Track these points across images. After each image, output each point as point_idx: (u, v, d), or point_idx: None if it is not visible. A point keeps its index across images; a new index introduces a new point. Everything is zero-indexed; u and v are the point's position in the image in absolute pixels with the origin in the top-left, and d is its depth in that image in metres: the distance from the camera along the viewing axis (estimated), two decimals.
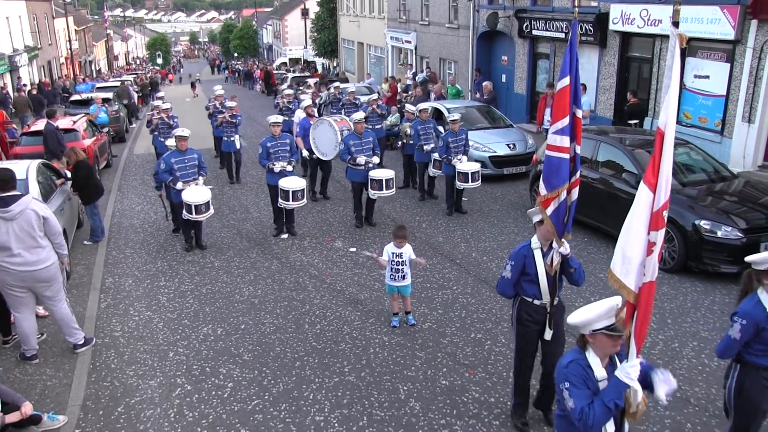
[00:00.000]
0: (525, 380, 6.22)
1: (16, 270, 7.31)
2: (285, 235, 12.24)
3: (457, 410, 6.66)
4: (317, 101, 23.71)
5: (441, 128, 15.28)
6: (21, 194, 7.40)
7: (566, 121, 5.24)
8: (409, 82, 26.69)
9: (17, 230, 7.22)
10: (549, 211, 5.40)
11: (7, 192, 7.29)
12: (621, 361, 4.05)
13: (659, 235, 3.91)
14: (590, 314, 3.92)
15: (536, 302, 5.89)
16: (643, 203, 3.91)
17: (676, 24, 3.89)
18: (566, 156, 5.29)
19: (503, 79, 24.97)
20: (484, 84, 21.45)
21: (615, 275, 4.03)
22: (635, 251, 3.93)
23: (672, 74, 3.93)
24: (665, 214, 3.93)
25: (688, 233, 9.55)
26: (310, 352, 7.92)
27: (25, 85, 34.97)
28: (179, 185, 11.19)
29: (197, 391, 7.16)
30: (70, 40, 49.62)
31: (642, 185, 3.91)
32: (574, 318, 3.99)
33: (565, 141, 5.26)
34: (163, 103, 18.05)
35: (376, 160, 12.38)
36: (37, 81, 38.21)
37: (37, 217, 7.31)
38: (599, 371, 4.01)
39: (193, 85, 50.55)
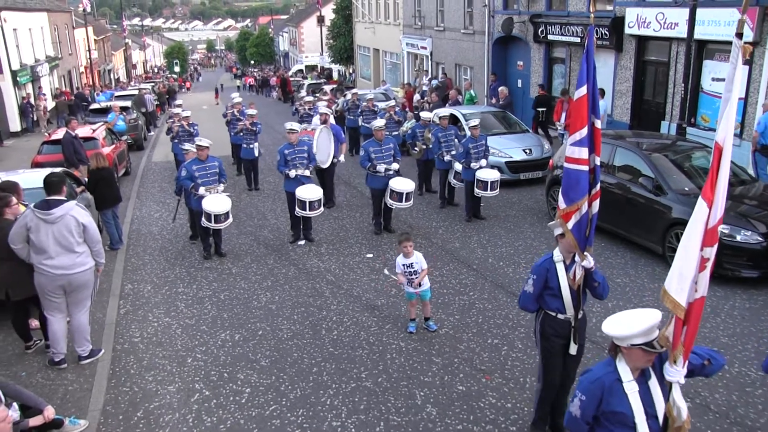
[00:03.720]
0: (551, 395, 6.05)
1: (53, 273, 7.48)
2: (302, 242, 12.29)
3: (473, 416, 6.65)
4: (333, 108, 23.81)
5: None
6: (65, 200, 7.63)
7: (584, 132, 5.09)
8: (425, 88, 26.72)
9: (56, 234, 7.42)
10: (570, 224, 5.25)
11: (54, 196, 7.57)
12: (654, 372, 4.04)
13: (713, 251, 3.85)
14: (632, 330, 3.85)
15: (560, 316, 5.72)
16: (700, 219, 3.81)
17: (739, 35, 3.77)
18: (585, 168, 5.13)
19: (519, 84, 24.93)
20: (500, 89, 21.43)
21: (670, 295, 3.90)
22: (689, 267, 3.84)
23: (733, 87, 3.79)
24: (720, 229, 3.87)
25: None
26: (327, 358, 7.95)
27: (44, 94, 35.47)
28: (201, 191, 11.26)
29: (215, 396, 7.21)
30: (89, 50, 50.14)
31: (700, 200, 3.81)
32: (613, 329, 3.93)
33: (583, 152, 5.11)
34: (183, 110, 18.19)
35: (395, 166, 12.37)
36: (56, 90, 38.67)
37: (76, 224, 7.50)
38: (631, 384, 3.97)
39: (216, 92, 50.94)
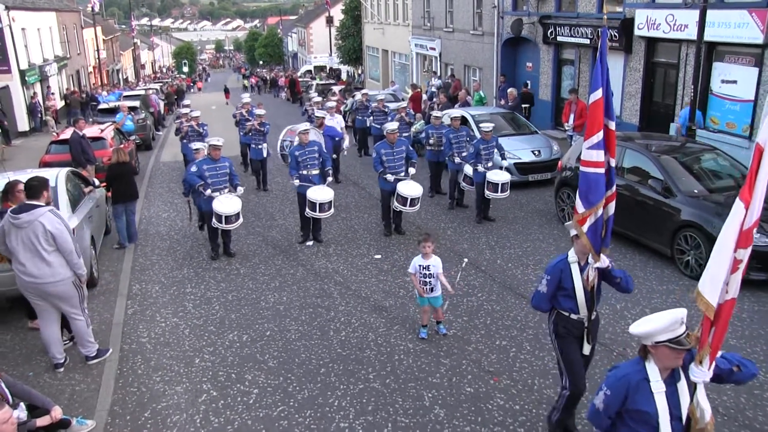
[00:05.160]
0: (578, 397, 5.91)
1: (23, 279, 7.38)
2: (310, 242, 12.29)
3: (482, 417, 6.63)
4: (342, 109, 23.83)
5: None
6: (39, 205, 7.36)
7: (600, 135, 5.10)
8: (433, 89, 26.73)
9: (24, 239, 7.27)
10: (585, 227, 5.24)
11: (32, 200, 7.39)
12: (684, 374, 4.01)
13: (746, 253, 3.81)
14: (654, 326, 3.84)
15: (573, 317, 5.71)
16: (736, 220, 3.78)
17: None
18: (602, 171, 5.14)
19: (528, 86, 24.87)
20: (509, 90, 21.40)
21: (704, 297, 3.86)
22: (721, 268, 3.82)
23: None
24: (756, 235, 3.84)
25: (715, 240, 9.40)
26: (335, 359, 7.95)
27: (53, 93, 35.68)
28: (208, 192, 11.28)
29: (223, 397, 7.22)
30: (98, 50, 50.32)
31: (737, 201, 3.77)
32: (637, 328, 3.93)
33: (600, 155, 5.11)
34: (192, 111, 18.20)
35: (412, 171, 12.30)
36: (67, 91, 38.87)
37: (43, 231, 7.24)
38: (657, 384, 3.95)
39: (226, 92, 51.02)
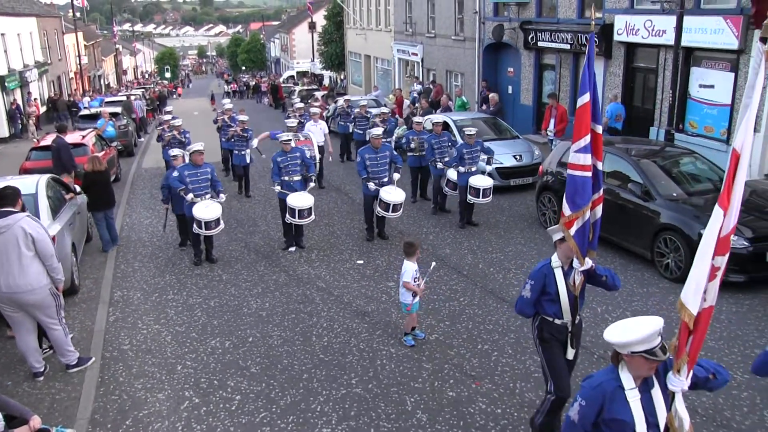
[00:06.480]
0: (564, 394, 5.85)
1: (1, 290, 7.24)
2: (293, 248, 12.28)
3: (464, 422, 6.66)
4: (324, 114, 23.81)
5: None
6: (14, 212, 7.23)
7: (588, 138, 5.17)
8: (415, 94, 26.80)
9: (1, 247, 7.11)
10: (572, 231, 5.27)
11: (8, 207, 7.25)
12: (658, 381, 4.00)
13: (724, 260, 3.80)
14: (633, 337, 3.78)
15: (557, 321, 5.73)
16: (715, 227, 3.77)
17: (764, 40, 3.67)
18: (589, 174, 5.20)
19: (509, 91, 25.03)
20: (490, 96, 21.50)
21: (686, 307, 3.84)
22: (700, 276, 3.80)
23: (753, 93, 3.69)
24: (733, 238, 3.85)
25: (693, 242, 9.53)
26: (317, 365, 7.95)
27: (36, 99, 35.40)
28: (190, 197, 11.25)
29: (205, 404, 7.19)
30: (79, 56, 49.97)
31: (716, 208, 3.75)
32: (613, 336, 3.87)
33: (587, 159, 5.17)
34: (174, 118, 18.08)
35: (396, 176, 12.30)
36: (47, 96, 38.62)
37: (24, 235, 7.10)
38: (632, 392, 3.92)
39: (212, 99, 50.83)
